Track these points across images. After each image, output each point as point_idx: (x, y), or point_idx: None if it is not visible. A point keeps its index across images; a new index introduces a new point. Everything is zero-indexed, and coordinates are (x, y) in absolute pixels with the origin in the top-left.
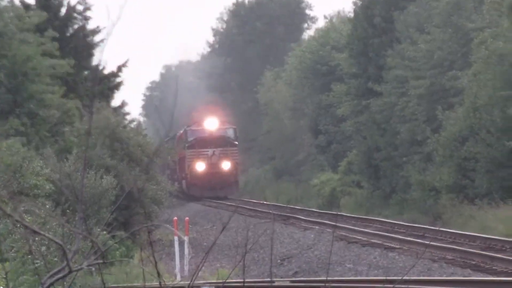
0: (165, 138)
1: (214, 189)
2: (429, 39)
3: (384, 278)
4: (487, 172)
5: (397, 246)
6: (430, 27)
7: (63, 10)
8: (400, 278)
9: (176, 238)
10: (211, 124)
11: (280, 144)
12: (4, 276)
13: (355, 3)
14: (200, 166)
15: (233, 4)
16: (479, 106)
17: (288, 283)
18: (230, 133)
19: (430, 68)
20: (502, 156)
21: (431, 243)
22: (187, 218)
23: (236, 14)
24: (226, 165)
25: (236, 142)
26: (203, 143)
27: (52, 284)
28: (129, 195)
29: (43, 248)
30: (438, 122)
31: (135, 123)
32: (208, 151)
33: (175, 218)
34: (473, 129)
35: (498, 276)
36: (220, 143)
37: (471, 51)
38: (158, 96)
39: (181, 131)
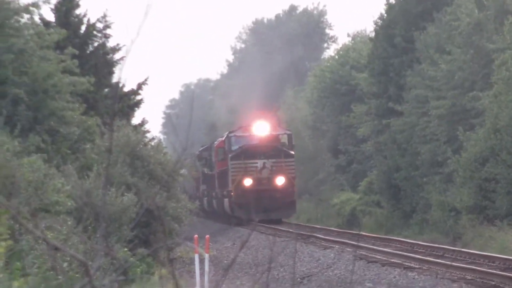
0: (200, 148)
1: (266, 210)
2: (450, 59)
3: None
4: (507, 194)
5: (417, 266)
6: (450, 47)
7: (83, 28)
8: None
9: (196, 255)
10: (261, 128)
11: (300, 163)
12: None
13: (375, 23)
14: (247, 182)
15: (252, 22)
16: (500, 127)
17: None
18: (284, 140)
19: (451, 88)
20: None
21: (451, 263)
22: (207, 236)
23: (255, 32)
24: (280, 181)
25: (293, 152)
26: (250, 153)
27: None
28: (149, 212)
29: (65, 264)
30: (459, 143)
31: (155, 141)
32: (257, 163)
33: (196, 235)
34: (493, 150)
35: None
36: (272, 153)
37: (492, 72)
38: (177, 114)
39: (222, 138)
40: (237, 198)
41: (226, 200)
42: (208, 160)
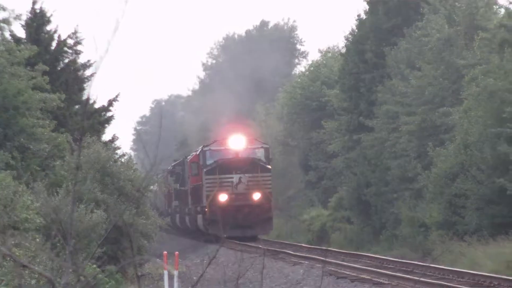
0: (172, 163)
1: (242, 227)
2: (420, 75)
3: None
4: (477, 209)
5: (386, 282)
6: (421, 63)
7: (54, 44)
8: None
9: (165, 272)
10: (237, 142)
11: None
12: None
13: (346, 38)
14: (222, 198)
15: (223, 38)
16: (469, 143)
17: None
18: (261, 154)
19: (421, 104)
20: (492, 193)
21: (420, 279)
22: (176, 252)
23: (226, 48)
24: (256, 196)
25: (269, 166)
26: (226, 168)
27: None
28: (118, 229)
29: (33, 282)
30: (429, 159)
31: (125, 157)
32: (232, 178)
33: (165, 252)
34: (463, 166)
35: None
36: (248, 167)
37: (462, 87)
38: (147, 130)
39: (195, 153)
40: (212, 214)
41: (199, 216)
42: (180, 175)
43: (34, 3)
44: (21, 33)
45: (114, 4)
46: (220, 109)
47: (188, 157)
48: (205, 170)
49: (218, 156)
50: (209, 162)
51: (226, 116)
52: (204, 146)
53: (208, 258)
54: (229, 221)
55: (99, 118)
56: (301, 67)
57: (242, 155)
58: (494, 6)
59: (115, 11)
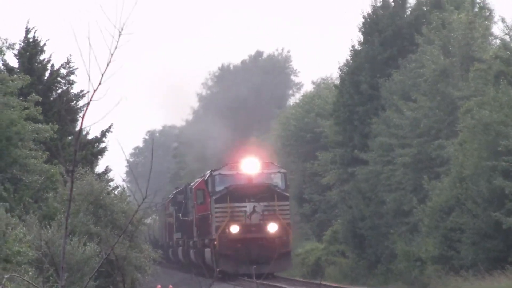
0: (173, 191)
1: (256, 263)
2: (415, 107)
3: None
4: (473, 244)
5: None
6: (416, 95)
7: (47, 74)
8: None
9: None
10: (250, 166)
11: None
12: None
13: (341, 69)
14: (234, 229)
15: (218, 68)
16: (465, 176)
17: None
18: (278, 179)
19: (417, 136)
20: (488, 227)
21: None
22: (170, 285)
23: (221, 78)
24: (272, 228)
25: (287, 194)
26: (238, 195)
27: None
28: (111, 262)
29: None
30: (424, 192)
31: (119, 189)
32: (246, 206)
33: (159, 286)
34: (459, 200)
35: None
36: (263, 195)
37: (457, 119)
38: (142, 162)
39: (201, 178)
40: (222, 248)
41: (207, 250)
42: (183, 205)
43: (27, 32)
44: (14, 63)
45: (108, 36)
46: (214, 140)
47: (191, 184)
48: (214, 197)
49: (229, 181)
50: (218, 188)
51: (220, 147)
52: (212, 171)
53: None
54: (241, 256)
55: (92, 150)
56: (295, 98)
57: (257, 181)
58: (490, 37)
59: (109, 42)
